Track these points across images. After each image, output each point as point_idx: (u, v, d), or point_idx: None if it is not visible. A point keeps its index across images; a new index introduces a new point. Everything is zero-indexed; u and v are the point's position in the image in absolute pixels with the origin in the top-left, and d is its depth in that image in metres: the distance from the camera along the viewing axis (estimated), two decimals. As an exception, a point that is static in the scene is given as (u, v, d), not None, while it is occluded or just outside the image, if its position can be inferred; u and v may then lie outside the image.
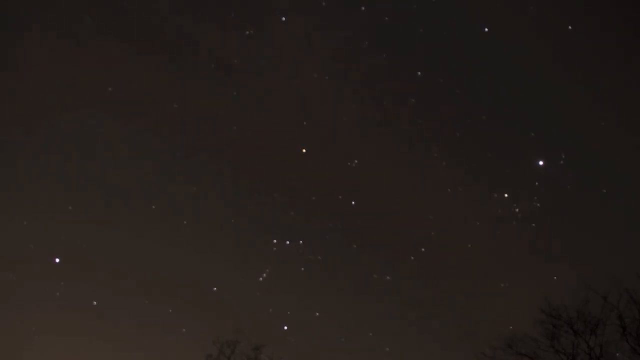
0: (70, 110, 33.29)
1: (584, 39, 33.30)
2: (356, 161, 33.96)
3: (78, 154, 34.03)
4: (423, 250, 33.83)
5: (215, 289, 32.68)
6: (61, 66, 33.37)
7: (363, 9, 32.66)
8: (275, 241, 33.34)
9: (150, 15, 32.85)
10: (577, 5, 33.11)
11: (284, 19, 32.68)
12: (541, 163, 33.18)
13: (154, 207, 33.85)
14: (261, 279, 32.83)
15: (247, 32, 32.75)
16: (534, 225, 33.34)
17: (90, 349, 30.30)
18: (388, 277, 33.86)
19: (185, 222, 34.00)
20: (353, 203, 34.10)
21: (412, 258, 33.82)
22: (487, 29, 32.93)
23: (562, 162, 33.26)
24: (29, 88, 32.89)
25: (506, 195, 33.47)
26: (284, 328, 31.82)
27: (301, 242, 33.54)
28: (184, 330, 31.60)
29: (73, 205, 32.89)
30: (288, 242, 33.42)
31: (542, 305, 24.76)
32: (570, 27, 32.77)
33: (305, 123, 34.11)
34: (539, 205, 33.43)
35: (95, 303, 31.39)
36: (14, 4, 31.97)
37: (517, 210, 33.26)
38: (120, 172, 34.42)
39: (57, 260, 31.20)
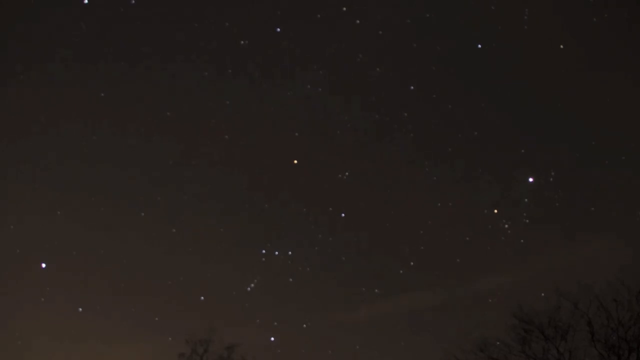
0: (61, 115, 33.80)
1: (575, 57, 33.56)
2: (347, 173, 34.05)
3: (67, 159, 34.34)
4: (412, 264, 33.72)
5: (203, 298, 32.84)
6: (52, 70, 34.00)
7: (357, 22, 33.13)
8: (263, 251, 33.16)
9: (144, 22, 33.60)
10: (569, 25, 33.45)
11: (278, 29, 33.13)
12: (531, 180, 33.28)
13: (143, 214, 33.87)
14: (249, 289, 32.76)
15: (242, 42, 33.34)
16: (522, 241, 33.25)
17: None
18: (376, 290, 33.73)
19: (173, 230, 33.92)
20: (343, 215, 34.24)
21: (401, 271, 33.77)
22: (480, 45, 33.37)
23: (551, 179, 33.30)
24: (17, 92, 33.42)
25: (495, 211, 33.46)
26: (270, 339, 31.72)
27: (290, 252, 33.50)
28: (170, 339, 31.36)
29: (61, 210, 33.03)
30: (277, 253, 33.31)
31: (515, 310, 24.88)
32: (561, 46, 33.12)
33: (296, 134, 34.39)
34: (527, 221, 33.40)
35: (80, 309, 31.43)
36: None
37: (506, 226, 33.21)
38: (109, 178, 34.66)
39: (43, 265, 31.41)
